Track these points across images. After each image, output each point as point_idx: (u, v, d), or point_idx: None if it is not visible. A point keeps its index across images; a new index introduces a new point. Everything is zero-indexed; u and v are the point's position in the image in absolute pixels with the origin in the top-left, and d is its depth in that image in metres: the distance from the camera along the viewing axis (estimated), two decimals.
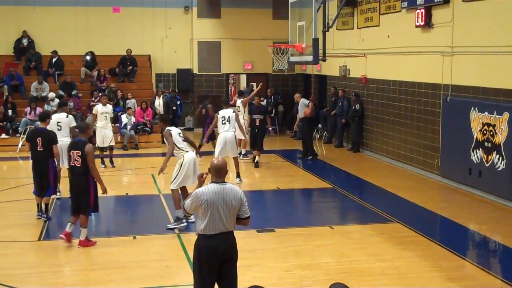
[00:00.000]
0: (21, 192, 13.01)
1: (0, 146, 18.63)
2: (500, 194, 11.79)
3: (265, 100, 21.85)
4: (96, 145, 15.03)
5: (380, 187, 13.56)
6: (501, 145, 11.61)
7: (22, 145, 17.36)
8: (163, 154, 10.76)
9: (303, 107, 17.22)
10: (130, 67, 22.16)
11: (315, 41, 12.87)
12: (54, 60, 21.62)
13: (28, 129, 16.94)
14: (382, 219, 10.90)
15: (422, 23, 14.16)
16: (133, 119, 19.43)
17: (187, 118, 23.36)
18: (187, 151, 10.29)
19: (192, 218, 9.98)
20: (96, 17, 22.68)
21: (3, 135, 18.94)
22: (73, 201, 9.40)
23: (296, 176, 15.15)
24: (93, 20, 22.66)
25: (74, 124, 12.55)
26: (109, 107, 15.91)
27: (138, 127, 19.51)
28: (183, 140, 10.32)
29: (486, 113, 12.03)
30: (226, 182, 5.95)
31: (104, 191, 9.48)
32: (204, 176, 6.12)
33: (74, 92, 20.68)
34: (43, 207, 10.80)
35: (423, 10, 14.09)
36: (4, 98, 19.81)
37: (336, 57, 18.51)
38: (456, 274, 8.28)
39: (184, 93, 22.95)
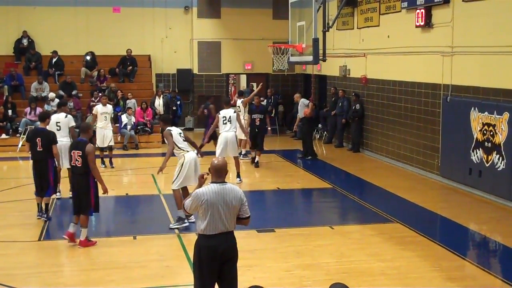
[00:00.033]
0: (21, 192, 13.01)
1: (0, 146, 18.64)
2: (500, 194, 11.79)
3: (265, 100, 21.86)
4: (96, 145, 15.02)
5: (380, 187, 13.56)
6: (501, 145, 11.61)
7: (22, 145, 17.37)
8: (163, 154, 10.76)
9: (303, 107, 17.23)
10: (130, 67, 22.17)
11: (315, 41, 12.87)
12: (54, 60, 21.62)
13: (28, 129, 16.94)
14: (382, 219, 10.90)
15: (422, 23, 14.16)
16: (133, 119, 19.43)
17: (187, 118, 23.36)
18: (188, 151, 10.29)
19: (192, 218, 9.98)
20: (96, 17, 22.68)
21: (3, 135, 18.94)
22: (74, 201, 9.41)
23: (296, 176, 15.15)
24: (93, 20, 22.66)
25: (73, 124, 12.54)
26: (109, 107, 15.91)
27: (138, 127, 19.52)
28: (183, 140, 10.33)
29: (486, 113, 12.03)
30: (226, 182, 5.95)
31: (105, 191, 9.49)
32: (204, 176, 6.12)
33: (74, 92, 20.69)
34: (43, 207, 10.80)
35: (423, 10, 14.09)
36: (4, 98, 19.82)
37: (336, 57, 18.52)
38: (456, 274, 8.28)
39: (184, 93, 22.95)
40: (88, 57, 22.11)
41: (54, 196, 11.43)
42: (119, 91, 20.63)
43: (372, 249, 9.18)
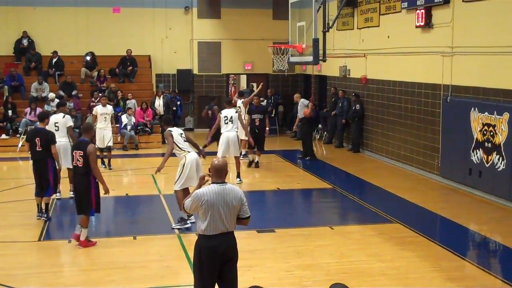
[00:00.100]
0: (21, 192, 13.01)
1: (0, 147, 18.64)
2: (500, 194, 11.79)
3: (265, 101, 21.86)
4: (96, 146, 15.01)
5: (380, 187, 13.56)
6: (501, 145, 11.61)
7: (22, 145, 17.37)
8: (163, 155, 10.74)
9: (303, 107, 17.23)
10: (130, 68, 22.17)
11: (315, 41, 12.87)
12: (54, 60, 21.63)
13: (28, 130, 16.94)
14: (382, 219, 10.90)
15: (422, 24, 14.16)
16: (133, 120, 19.44)
17: (187, 119, 23.36)
18: (189, 152, 10.28)
19: (192, 219, 9.99)
20: (96, 17, 22.69)
21: (3, 136, 18.95)
22: (77, 202, 9.42)
23: (296, 176, 15.15)
24: (93, 21, 22.67)
25: (71, 124, 12.51)
26: (109, 108, 15.90)
27: (138, 128, 19.52)
28: (184, 141, 10.31)
29: (486, 113, 12.03)
30: (226, 183, 5.95)
31: (106, 191, 9.50)
32: (206, 178, 6.10)
33: (74, 93, 20.70)
34: (43, 207, 10.80)
35: (423, 11, 14.09)
36: (4, 98, 19.82)
37: (336, 58, 18.52)
38: (456, 274, 8.28)
39: (184, 94, 22.96)
40: (88, 58, 22.11)
41: (54, 196, 11.42)
42: (119, 92, 20.64)
43: (372, 249, 9.18)
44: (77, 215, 9.46)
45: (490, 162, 11.92)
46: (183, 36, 23.30)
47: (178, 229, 10.12)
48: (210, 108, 18.38)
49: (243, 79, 26.10)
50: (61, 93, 20.26)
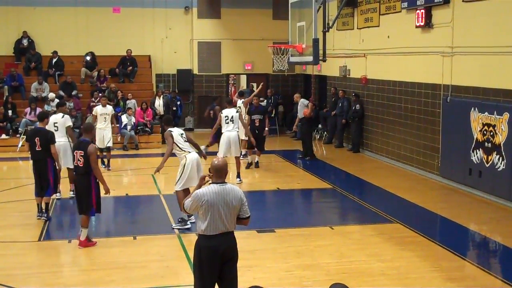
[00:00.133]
0: (21, 192, 13.02)
1: (0, 147, 18.64)
2: (500, 194, 11.79)
3: (265, 101, 21.86)
4: (96, 146, 15.02)
5: (380, 187, 13.56)
6: (501, 145, 11.61)
7: (22, 145, 17.37)
8: (163, 155, 10.73)
9: (303, 107, 17.24)
10: (130, 68, 22.17)
11: (315, 41, 12.88)
12: (54, 60, 21.63)
13: (28, 130, 16.94)
14: (382, 219, 10.90)
15: (422, 24, 14.17)
16: (133, 120, 19.44)
17: (187, 119, 23.36)
18: (190, 152, 10.27)
19: (192, 219, 9.99)
20: (96, 17, 22.69)
21: (3, 136, 18.95)
22: (78, 202, 9.42)
23: (296, 176, 15.15)
24: (93, 21, 22.67)
25: (70, 124, 12.49)
26: (109, 108, 15.89)
27: (138, 128, 19.52)
28: (185, 141, 10.31)
29: (486, 113, 12.03)
30: (226, 183, 5.95)
31: (107, 191, 9.50)
32: (206, 179, 6.10)
33: (74, 93, 20.70)
34: (43, 207, 10.80)
35: (423, 11, 14.09)
36: (4, 98, 19.83)
37: (336, 58, 18.54)
38: (456, 274, 8.28)
39: (184, 94, 22.95)
40: (88, 58, 22.12)
41: (54, 196, 11.42)
42: (119, 92, 20.64)
43: (372, 249, 9.18)
44: (78, 215, 9.46)
45: (490, 162, 11.93)
46: (183, 36, 23.31)
47: (178, 229, 10.13)
48: (212, 108, 18.40)
49: (243, 79, 26.09)
50: (61, 93, 20.26)
